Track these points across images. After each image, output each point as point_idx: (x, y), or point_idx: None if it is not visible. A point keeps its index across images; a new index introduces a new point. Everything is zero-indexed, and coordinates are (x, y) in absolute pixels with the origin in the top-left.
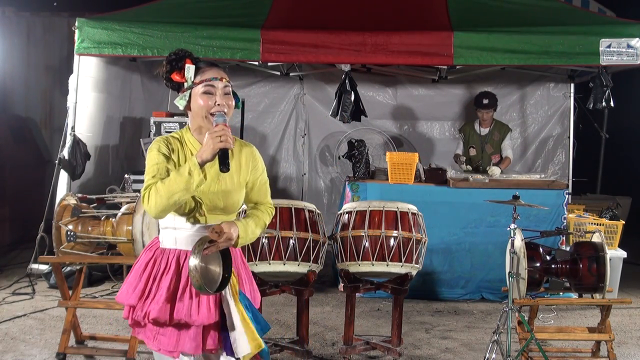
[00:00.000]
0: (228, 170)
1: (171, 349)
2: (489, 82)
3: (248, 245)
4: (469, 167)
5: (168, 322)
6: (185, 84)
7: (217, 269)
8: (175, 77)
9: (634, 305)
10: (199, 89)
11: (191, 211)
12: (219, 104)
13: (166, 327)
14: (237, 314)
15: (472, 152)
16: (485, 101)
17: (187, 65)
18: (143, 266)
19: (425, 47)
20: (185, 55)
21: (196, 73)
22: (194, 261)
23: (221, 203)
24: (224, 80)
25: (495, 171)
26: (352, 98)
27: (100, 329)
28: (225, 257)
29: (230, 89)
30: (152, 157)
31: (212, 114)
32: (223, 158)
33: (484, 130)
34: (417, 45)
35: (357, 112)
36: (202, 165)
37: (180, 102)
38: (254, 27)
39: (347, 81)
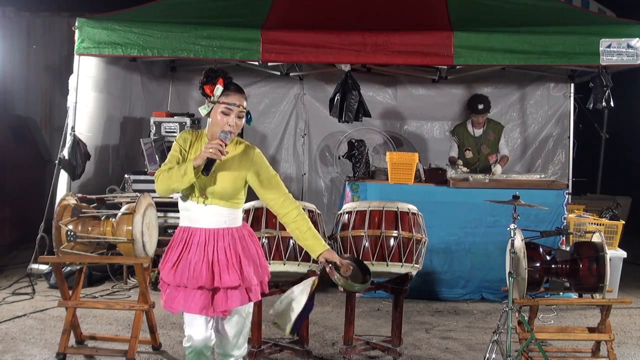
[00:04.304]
0: (207, 175)
1: (179, 307)
2: (489, 82)
3: None
4: (466, 170)
5: (173, 283)
6: (212, 98)
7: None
8: (206, 89)
9: (634, 305)
10: (220, 107)
11: (188, 191)
12: (229, 125)
13: (176, 289)
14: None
15: (468, 154)
16: (481, 106)
17: (217, 86)
18: (168, 244)
19: (425, 47)
20: (220, 76)
21: (222, 92)
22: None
23: (211, 188)
24: (241, 107)
25: (497, 169)
26: (357, 98)
27: (100, 329)
28: (357, 263)
29: (244, 114)
30: (174, 146)
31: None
32: (207, 165)
33: (478, 132)
34: (417, 45)
35: (359, 112)
36: (196, 167)
37: (203, 111)
38: (254, 27)
39: (349, 81)
